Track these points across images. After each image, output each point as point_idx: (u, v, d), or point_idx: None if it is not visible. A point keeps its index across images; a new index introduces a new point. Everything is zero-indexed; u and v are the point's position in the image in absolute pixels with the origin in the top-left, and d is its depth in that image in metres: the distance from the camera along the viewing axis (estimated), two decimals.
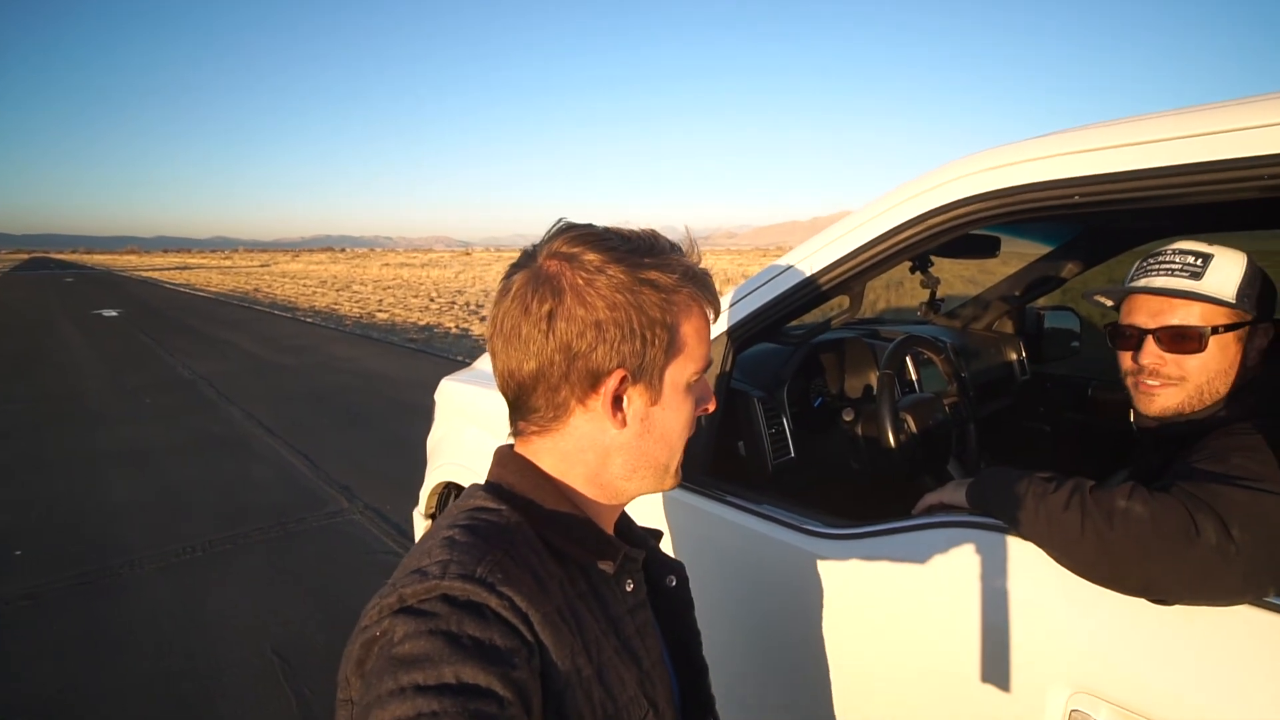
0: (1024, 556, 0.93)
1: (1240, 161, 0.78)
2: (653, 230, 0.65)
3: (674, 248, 0.65)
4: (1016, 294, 2.23)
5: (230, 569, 3.20)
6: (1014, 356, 2.24)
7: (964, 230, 1.08)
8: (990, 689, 0.94)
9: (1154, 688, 0.80)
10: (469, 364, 2.35)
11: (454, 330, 12.34)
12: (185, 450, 5.07)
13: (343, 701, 0.53)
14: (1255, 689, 0.75)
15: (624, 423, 0.63)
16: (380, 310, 16.15)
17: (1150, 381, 1.04)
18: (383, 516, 3.80)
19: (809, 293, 1.25)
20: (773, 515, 1.22)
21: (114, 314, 16.19)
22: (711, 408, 0.72)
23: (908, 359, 1.83)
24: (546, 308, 0.59)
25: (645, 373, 0.62)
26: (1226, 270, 0.99)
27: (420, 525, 2.26)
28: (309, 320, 14.65)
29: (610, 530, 0.70)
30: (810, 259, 1.23)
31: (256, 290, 25.32)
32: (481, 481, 0.68)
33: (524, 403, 0.64)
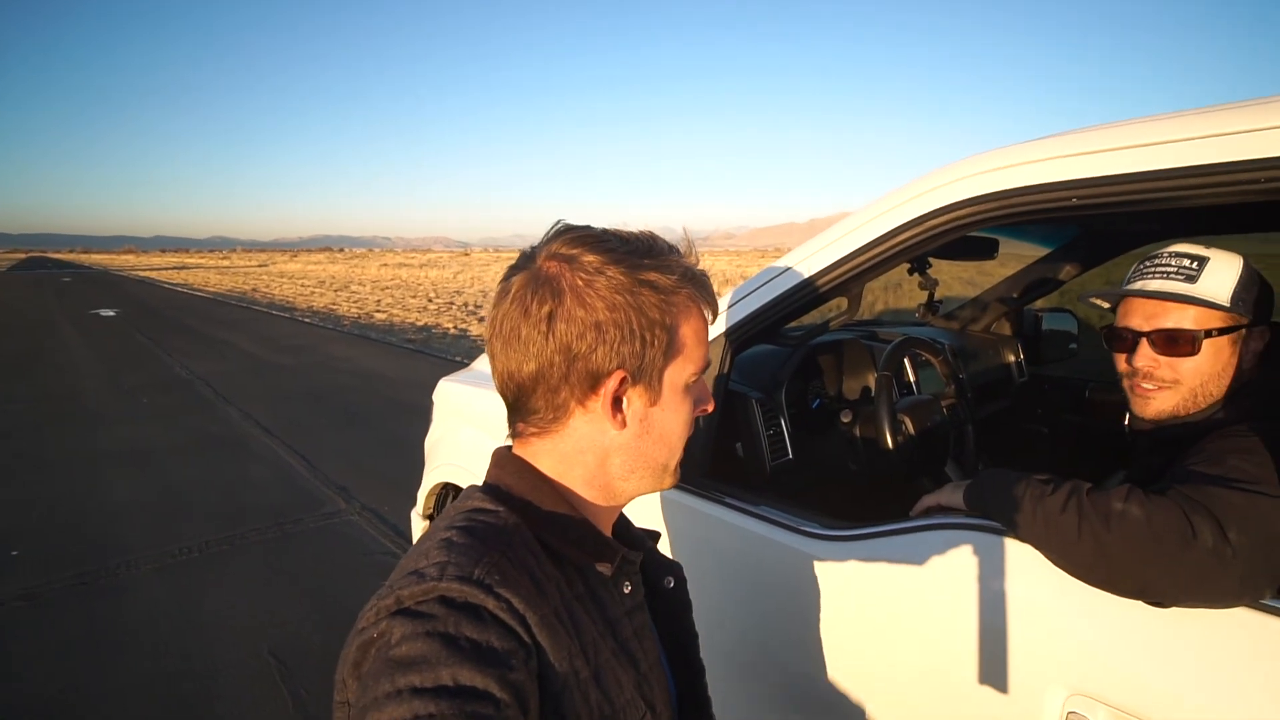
0: (1021, 558, 0.93)
1: (1238, 165, 0.78)
2: (650, 232, 0.65)
3: (672, 249, 0.65)
4: (1015, 296, 2.24)
5: (227, 570, 3.19)
6: (1012, 358, 2.25)
7: (962, 232, 1.08)
8: (987, 690, 0.94)
9: (1151, 690, 0.80)
10: (467, 365, 2.35)
11: (452, 331, 12.33)
12: (183, 450, 5.06)
13: (339, 703, 0.53)
14: (1252, 691, 0.75)
15: (624, 424, 0.63)
16: (378, 310, 16.13)
17: (1145, 384, 1.04)
18: (380, 517, 3.79)
19: (807, 294, 1.25)
20: (770, 517, 1.22)
21: (112, 314, 16.16)
22: (710, 409, 0.72)
23: (906, 360, 1.84)
24: (546, 309, 0.59)
25: (645, 374, 0.62)
26: (1222, 274, 0.99)
27: (418, 526, 2.26)
28: (307, 320, 14.63)
29: (608, 532, 0.70)
30: (809, 260, 1.23)
31: (254, 290, 25.29)
32: (479, 483, 0.68)
33: (523, 404, 0.64)
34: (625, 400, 0.63)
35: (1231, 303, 0.98)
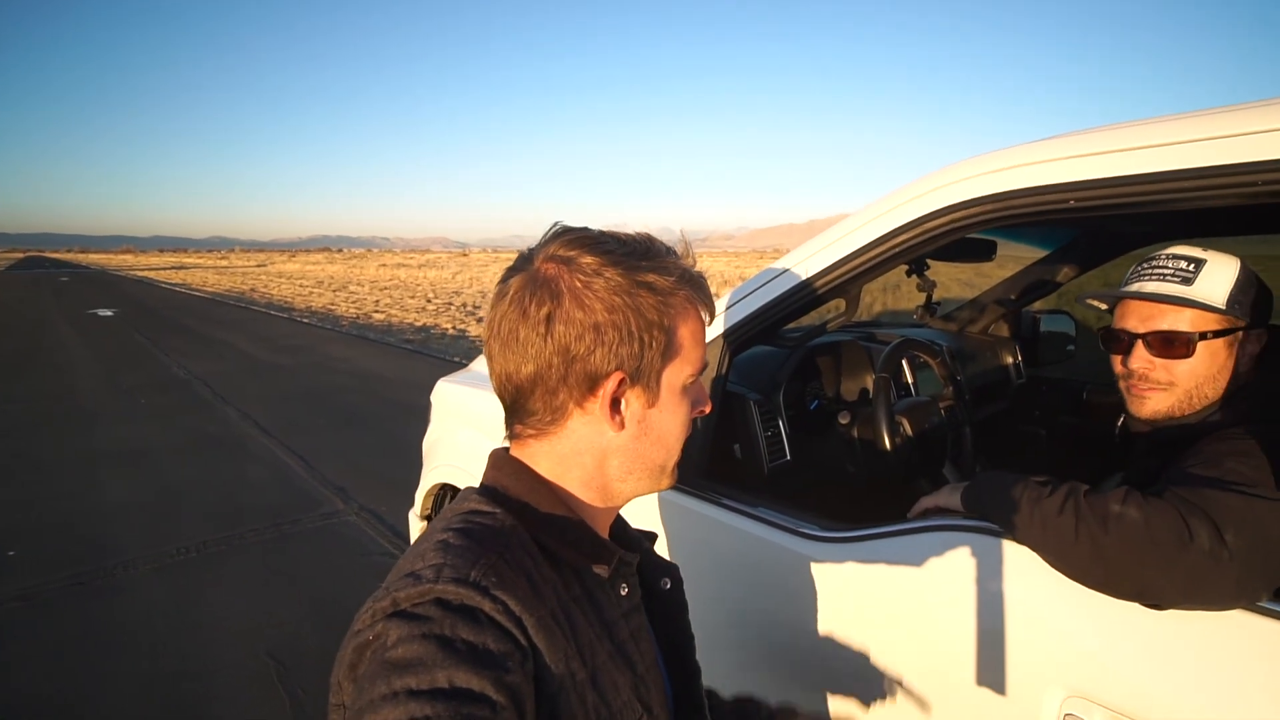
0: (1019, 560, 0.93)
1: (1237, 167, 0.78)
2: (648, 234, 0.65)
3: (669, 251, 0.65)
4: (1012, 297, 2.24)
5: (225, 570, 3.19)
6: (1010, 360, 2.25)
7: (961, 234, 1.08)
8: (985, 692, 0.94)
9: (1148, 692, 0.80)
10: (465, 365, 2.35)
11: (450, 331, 12.33)
12: (181, 450, 5.06)
13: (335, 706, 0.53)
14: (1249, 693, 0.75)
15: (622, 425, 0.63)
16: (377, 311, 16.12)
17: (1140, 385, 1.04)
18: (378, 518, 3.79)
19: (806, 296, 1.25)
20: (768, 518, 1.22)
21: (109, 314, 16.14)
22: (707, 410, 0.72)
23: (904, 362, 1.84)
24: (544, 311, 0.59)
25: (643, 375, 0.62)
26: (1218, 276, 0.99)
27: (416, 527, 2.26)
28: (305, 320, 14.61)
29: (605, 533, 0.70)
30: (807, 262, 1.23)
31: (253, 290, 25.26)
32: (477, 484, 0.68)
33: (521, 406, 0.64)
34: (623, 402, 0.63)
35: (1227, 305, 0.98)
